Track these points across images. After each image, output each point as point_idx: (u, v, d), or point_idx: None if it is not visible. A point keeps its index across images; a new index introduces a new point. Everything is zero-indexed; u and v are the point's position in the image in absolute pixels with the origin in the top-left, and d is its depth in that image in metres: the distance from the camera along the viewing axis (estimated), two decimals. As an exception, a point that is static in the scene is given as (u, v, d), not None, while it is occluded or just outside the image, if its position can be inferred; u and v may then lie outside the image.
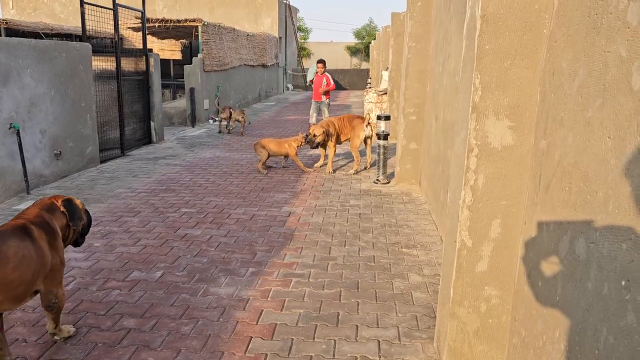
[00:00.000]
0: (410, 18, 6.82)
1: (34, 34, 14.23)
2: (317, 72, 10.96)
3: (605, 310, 1.71)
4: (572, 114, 2.05)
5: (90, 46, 7.90)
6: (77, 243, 3.31)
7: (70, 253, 4.34)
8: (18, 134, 6.14)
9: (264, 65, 21.16)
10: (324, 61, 11.06)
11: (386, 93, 11.24)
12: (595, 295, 1.78)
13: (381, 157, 7.12)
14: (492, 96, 2.49)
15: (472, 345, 2.77)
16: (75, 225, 3.14)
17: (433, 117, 5.98)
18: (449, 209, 2.95)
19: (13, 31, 13.86)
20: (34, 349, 3.01)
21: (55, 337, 3.12)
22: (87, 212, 3.35)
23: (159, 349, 3.03)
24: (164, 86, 14.79)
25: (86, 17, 8.17)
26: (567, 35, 2.14)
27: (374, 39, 30.21)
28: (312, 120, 10.93)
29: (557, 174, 2.16)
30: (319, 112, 11.00)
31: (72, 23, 20.42)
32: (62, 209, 3.09)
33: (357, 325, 3.32)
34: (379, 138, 7.15)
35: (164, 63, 18.35)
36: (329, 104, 11.13)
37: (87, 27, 8.25)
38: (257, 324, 3.34)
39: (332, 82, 10.88)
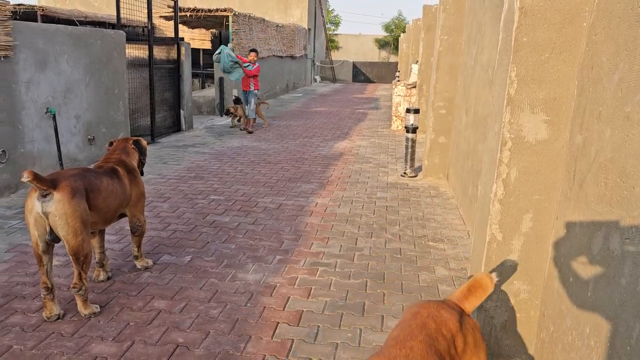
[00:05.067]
0: (443, 10, 6.75)
1: (69, 21, 14.51)
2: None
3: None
4: (610, 108, 2.02)
5: (124, 34, 8.04)
6: (142, 172, 4.05)
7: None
8: (54, 118, 6.30)
9: (292, 57, 21.19)
10: (255, 50, 11.29)
11: (415, 86, 11.15)
12: (629, 292, 1.77)
13: (409, 150, 7.10)
14: (528, 89, 2.47)
15: (499, 339, 2.77)
16: (144, 159, 3.97)
17: (463, 111, 5.93)
18: (480, 202, 2.94)
19: (49, 18, 14.16)
20: (69, 325, 3.12)
21: (136, 263, 3.94)
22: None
23: (188, 330, 3.11)
24: (193, 75, 14.96)
25: (120, 4, 8.31)
26: (608, 29, 2.11)
27: (403, 32, 29.94)
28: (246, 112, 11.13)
29: (593, 170, 2.13)
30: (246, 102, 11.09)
31: (105, 11, 20.75)
32: (133, 147, 3.88)
33: (382, 316, 3.35)
34: (407, 131, 7.12)
35: (194, 52, 18.50)
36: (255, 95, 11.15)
37: (121, 15, 8.39)
38: (283, 310, 3.39)
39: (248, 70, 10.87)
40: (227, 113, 11.53)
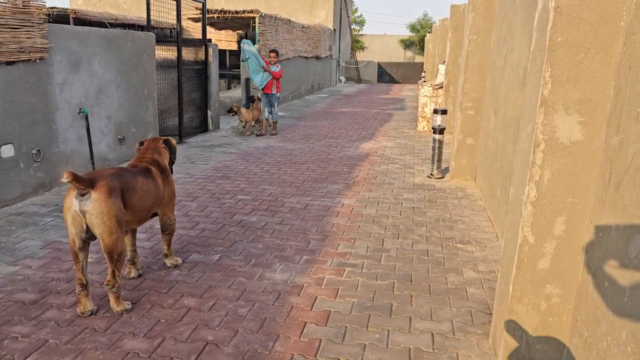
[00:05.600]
0: (472, 10, 6.68)
1: (100, 24, 14.82)
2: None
3: (680, 313, 1.65)
4: (649, 109, 1.98)
5: (154, 36, 8.17)
6: (171, 171, 4.11)
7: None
8: (87, 118, 6.45)
9: (317, 57, 21.23)
10: (275, 50, 10.77)
11: (442, 87, 11.06)
12: (669, 297, 1.72)
13: (436, 151, 7.05)
14: (562, 90, 2.43)
15: (530, 344, 2.73)
16: (174, 158, 4.06)
17: (492, 112, 5.86)
18: (511, 204, 2.90)
19: (81, 20, 14.48)
20: (102, 321, 3.19)
21: (165, 261, 4.02)
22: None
23: (217, 328, 3.15)
24: (219, 76, 15.14)
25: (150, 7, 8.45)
26: (647, 28, 2.06)
27: (429, 32, 29.72)
28: (265, 114, 10.58)
29: (630, 172, 2.09)
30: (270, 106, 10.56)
31: (134, 13, 21.12)
32: (163, 146, 3.95)
33: (410, 317, 3.33)
34: (434, 132, 7.07)
35: (220, 53, 18.70)
36: (278, 98, 10.73)
37: (151, 17, 8.52)
38: (311, 310, 3.40)
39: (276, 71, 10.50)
40: (231, 111, 10.49)
